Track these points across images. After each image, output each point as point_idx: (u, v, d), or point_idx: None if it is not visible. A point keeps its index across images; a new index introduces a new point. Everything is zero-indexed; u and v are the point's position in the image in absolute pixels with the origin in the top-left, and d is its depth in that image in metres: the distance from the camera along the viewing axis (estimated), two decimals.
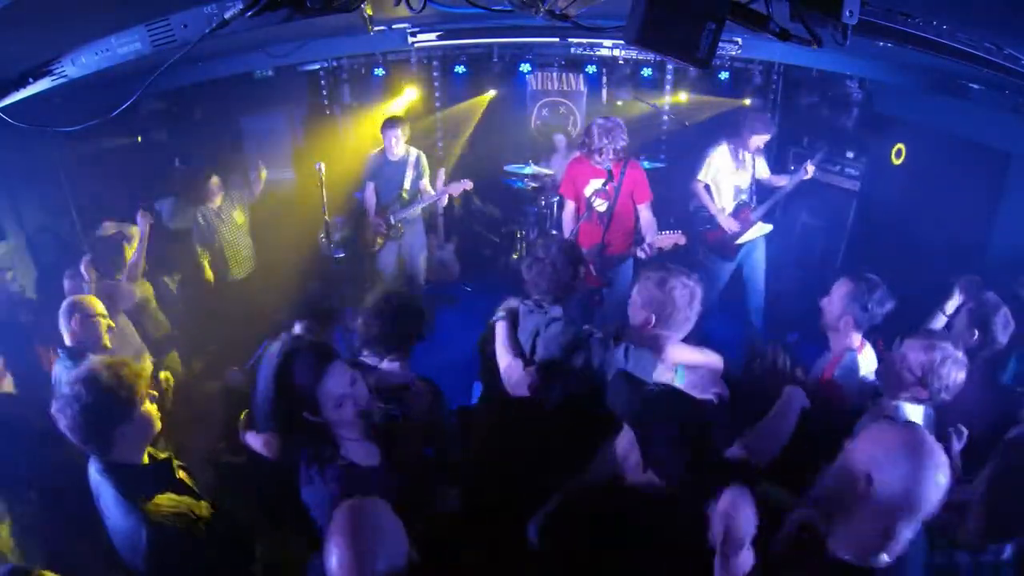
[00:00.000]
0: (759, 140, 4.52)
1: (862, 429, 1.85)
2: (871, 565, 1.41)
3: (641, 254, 3.99)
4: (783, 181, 4.73)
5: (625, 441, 1.74)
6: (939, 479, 1.38)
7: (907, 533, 1.40)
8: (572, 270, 2.42)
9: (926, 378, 2.11)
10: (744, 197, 4.69)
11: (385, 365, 2.37)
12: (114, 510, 1.83)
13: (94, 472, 1.87)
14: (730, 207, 4.69)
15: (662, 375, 2.24)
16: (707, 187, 4.69)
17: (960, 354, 2.13)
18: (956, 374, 2.11)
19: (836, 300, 2.61)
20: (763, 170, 4.78)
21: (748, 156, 4.62)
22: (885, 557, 1.41)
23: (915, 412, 2.18)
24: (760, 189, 4.78)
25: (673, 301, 2.27)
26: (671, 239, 3.99)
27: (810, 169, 4.56)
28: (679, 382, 2.19)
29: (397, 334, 2.38)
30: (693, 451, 1.63)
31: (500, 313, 2.48)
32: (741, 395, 2.16)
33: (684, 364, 2.30)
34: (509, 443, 2.35)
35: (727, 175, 4.65)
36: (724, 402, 2.06)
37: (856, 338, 2.55)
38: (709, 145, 4.75)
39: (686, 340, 2.37)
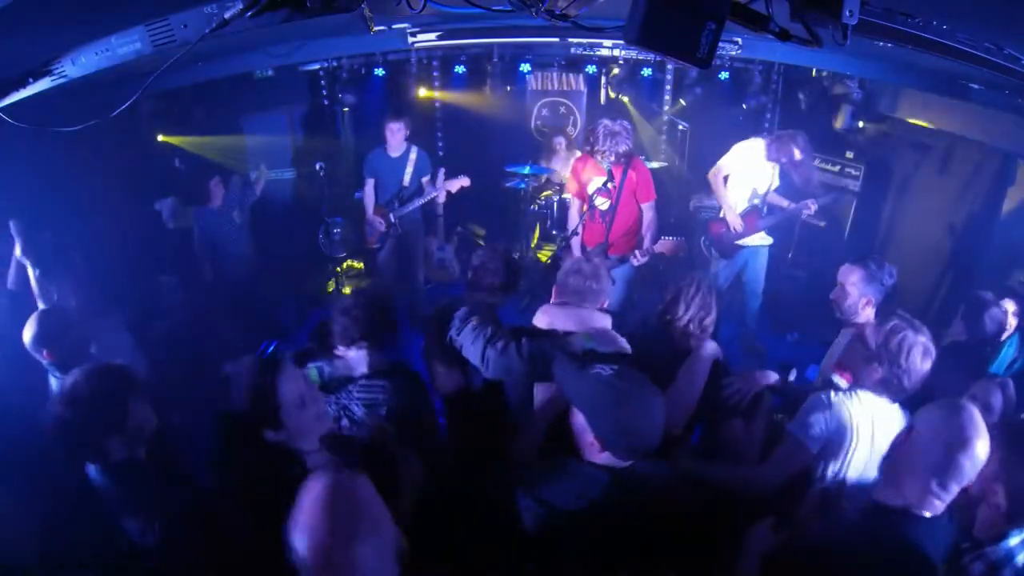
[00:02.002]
0: (798, 155, 4.34)
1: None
2: (913, 511, 1.54)
3: (634, 261, 3.98)
4: (784, 203, 4.63)
5: (578, 419, 1.74)
6: (978, 446, 1.50)
7: (944, 491, 1.53)
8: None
9: (880, 354, 2.02)
10: (757, 202, 4.61)
11: (353, 353, 2.34)
12: (120, 507, 1.83)
13: (95, 473, 1.87)
14: (742, 206, 4.63)
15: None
16: (725, 178, 4.61)
17: (924, 339, 2.00)
18: (917, 358, 1.99)
19: (850, 288, 2.61)
20: (775, 184, 4.63)
21: (773, 166, 4.49)
22: (926, 511, 1.53)
23: (861, 395, 2.09)
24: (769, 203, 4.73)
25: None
26: (671, 245, 3.97)
27: (812, 207, 4.49)
28: (588, 343, 2.26)
29: (367, 327, 2.34)
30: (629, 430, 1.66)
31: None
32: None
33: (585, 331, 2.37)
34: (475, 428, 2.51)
35: (747, 174, 4.55)
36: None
37: (871, 315, 2.56)
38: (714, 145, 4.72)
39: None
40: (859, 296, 2.56)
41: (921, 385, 2.03)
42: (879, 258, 2.64)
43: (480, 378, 2.39)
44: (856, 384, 2.15)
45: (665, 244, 3.99)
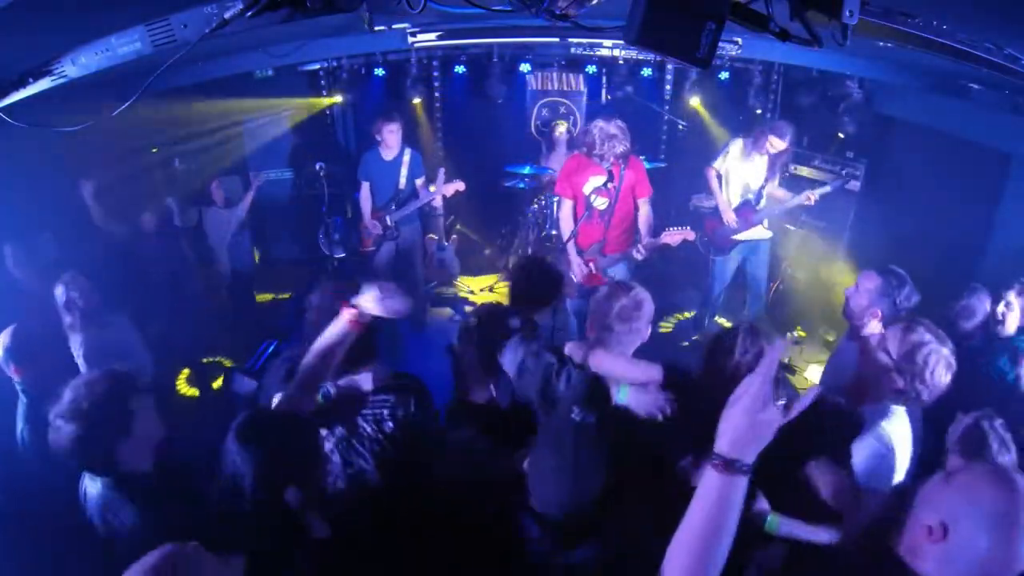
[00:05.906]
0: (777, 144, 4.43)
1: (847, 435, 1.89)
2: None
3: (637, 255, 3.97)
4: (783, 194, 4.69)
5: None
6: None
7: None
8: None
9: (902, 365, 1.92)
10: (751, 196, 4.67)
11: (360, 377, 2.28)
12: (106, 514, 1.78)
13: (94, 486, 1.80)
14: (735, 202, 4.68)
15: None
16: (719, 176, 4.70)
17: (947, 351, 1.92)
18: (938, 369, 1.90)
19: (863, 293, 2.58)
20: (774, 181, 4.70)
21: (762, 159, 4.56)
22: None
23: (897, 413, 1.97)
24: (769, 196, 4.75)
25: (614, 313, 2.17)
26: (679, 235, 3.97)
27: (812, 197, 4.50)
28: (622, 399, 2.04)
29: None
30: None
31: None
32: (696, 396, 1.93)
33: (626, 382, 2.11)
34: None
35: (739, 170, 4.64)
36: (671, 415, 1.93)
37: (878, 329, 2.50)
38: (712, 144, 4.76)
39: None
40: (867, 304, 2.54)
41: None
42: (903, 276, 2.59)
43: (505, 392, 2.35)
44: (874, 396, 2.01)
45: (672, 235, 3.96)
